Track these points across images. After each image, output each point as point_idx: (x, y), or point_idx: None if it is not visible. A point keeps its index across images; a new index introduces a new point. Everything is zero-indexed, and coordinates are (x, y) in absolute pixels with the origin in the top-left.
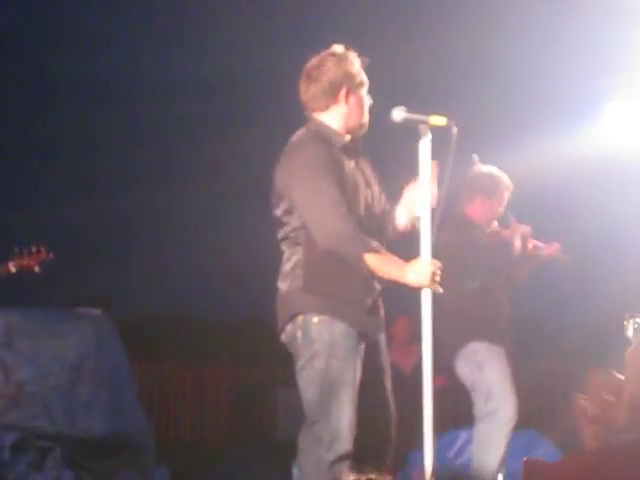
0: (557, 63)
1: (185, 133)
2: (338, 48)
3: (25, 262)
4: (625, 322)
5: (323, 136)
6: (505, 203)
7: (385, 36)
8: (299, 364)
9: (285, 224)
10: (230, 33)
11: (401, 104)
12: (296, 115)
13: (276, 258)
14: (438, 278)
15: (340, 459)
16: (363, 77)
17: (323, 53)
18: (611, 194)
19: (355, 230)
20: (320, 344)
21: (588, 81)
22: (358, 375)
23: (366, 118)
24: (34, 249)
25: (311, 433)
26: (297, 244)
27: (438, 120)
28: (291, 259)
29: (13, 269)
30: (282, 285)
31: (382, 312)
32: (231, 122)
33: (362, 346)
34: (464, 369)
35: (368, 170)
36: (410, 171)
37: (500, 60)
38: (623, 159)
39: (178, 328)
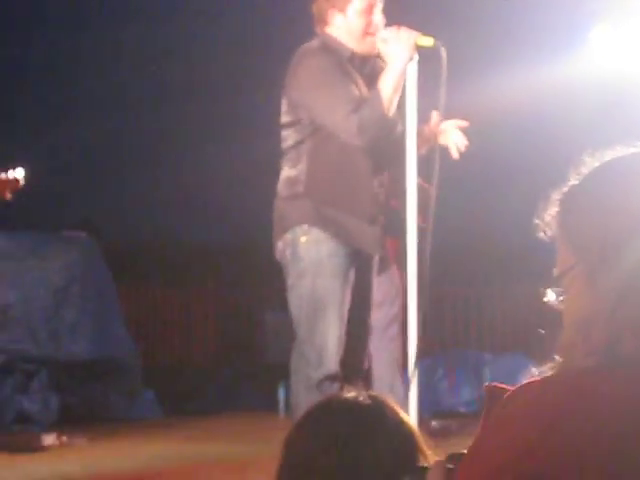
0: None
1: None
2: None
3: None
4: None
5: (328, 47)
6: None
7: None
8: (288, 282)
9: (290, 134)
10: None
11: (388, 24)
12: None
13: (262, 184)
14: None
15: (327, 379)
16: None
17: None
18: (599, 117)
19: (364, 112)
20: (307, 262)
21: (575, 3)
22: (347, 295)
23: (369, 37)
24: (4, 175)
25: (299, 352)
26: (302, 154)
27: (424, 40)
28: (295, 166)
29: None
30: (280, 196)
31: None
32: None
33: (353, 265)
34: None
35: None
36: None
37: None
38: (611, 81)
39: (164, 253)
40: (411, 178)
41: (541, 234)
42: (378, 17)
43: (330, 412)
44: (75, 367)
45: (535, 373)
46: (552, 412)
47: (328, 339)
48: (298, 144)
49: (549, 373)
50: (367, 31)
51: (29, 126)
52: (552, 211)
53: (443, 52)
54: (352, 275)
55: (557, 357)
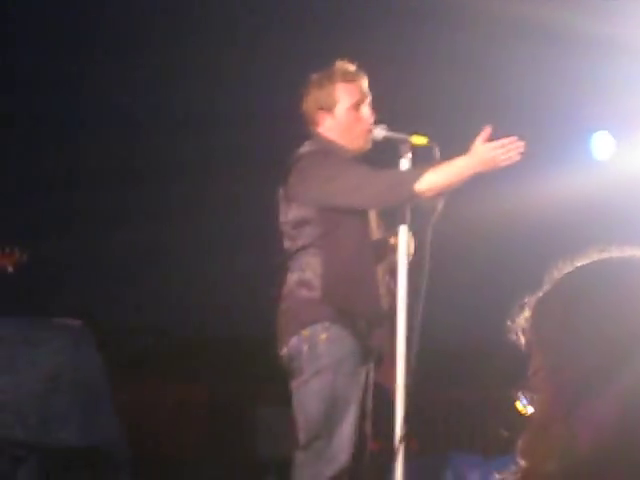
0: (546, 93)
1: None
2: (338, 65)
3: None
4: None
5: (330, 148)
6: None
7: (372, 55)
8: (302, 378)
9: (297, 235)
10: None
11: (384, 123)
12: None
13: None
14: (505, 152)
15: (338, 475)
16: (353, 93)
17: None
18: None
19: (389, 172)
20: (328, 360)
21: (576, 110)
22: (362, 392)
23: (361, 133)
24: (7, 249)
25: (311, 448)
26: (314, 256)
27: (419, 139)
28: (307, 269)
29: None
30: (293, 296)
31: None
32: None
33: (369, 363)
34: None
35: None
36: None
37: (488, 88)
38: (613, 188)
39: (159, 345)
40: (402, 284)
41: (513, 337)
42: (367, 112)
43: None
44: (63, 455)
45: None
46: None
47: (345, 437)
48: (308, 246)
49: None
50: (358, 127)
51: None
52: (525, 315)
53: (437, 151)
54: (364, 375)
55: (520, 461)
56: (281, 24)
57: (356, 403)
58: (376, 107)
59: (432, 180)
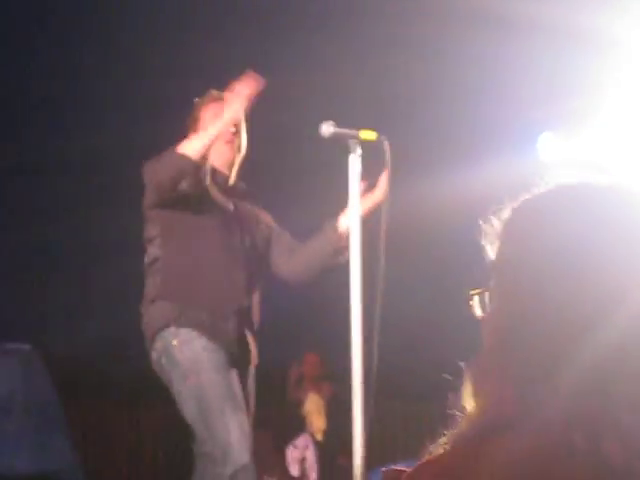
0: (494, 90)
1: None
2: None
3: None
4: (470, 302)
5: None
6: None
7: (327, 52)
8: (174, 390)
9: (148, 252)
10: None
11: (335, 120)
12: None
13: None
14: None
15: (239, 471)
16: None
17: None
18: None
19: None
20: (185, 364)
21: (524, 110)
22: (236, 384)
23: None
24: None
25: (202, 453)
26: (158, 269)
27: (368, 135)
28: (153, 277)
29: None
30: (143, 308)
31: (245, 332)
32: None
33: (230, 363)
34: None
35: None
36: (342, 188)
37: (439, 84)
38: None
39: (113, 368)
40: (355, 285)
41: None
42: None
43: None
44: None
45: (430, 450)
46: None
47: (230, 432)
48: (154, 261)
49: (443, 449)
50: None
51: None
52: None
53: (386, 146)
54: (234, 374)
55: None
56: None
57: (229, 397)
58: (323, 103)
59: (191, 146)
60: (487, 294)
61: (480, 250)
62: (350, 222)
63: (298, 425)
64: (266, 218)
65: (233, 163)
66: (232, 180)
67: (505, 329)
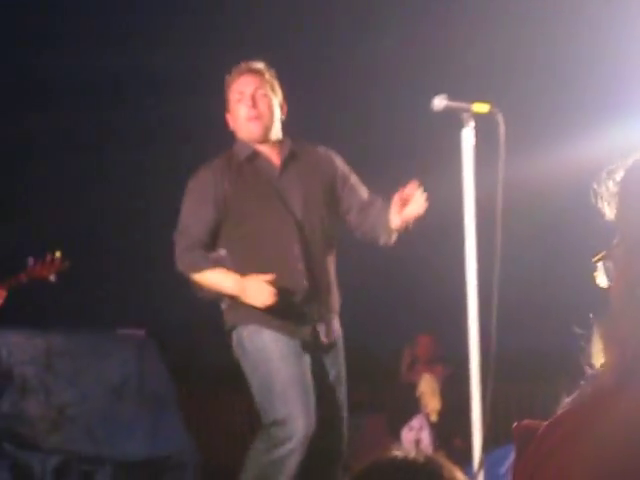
0: (607, 61)
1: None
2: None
3: (38, 272)
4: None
5: (229, 154)
6: None
7: (434, 25)
8: (249, 380)
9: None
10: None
11: (446, 92)
12: None
13: None
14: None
15: (294, 450)
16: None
17: None
18: None
19: (185, 250)
20: (255, 353)
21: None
22: (307, 374)
23: (244, 125)
24: (48, 257)
25: (263, 435)
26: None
27: (481, 107)
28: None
29: (25, 279)
30: (222, 305)
31: (319, 319)
32: None
33: (301, 350)
34: None
35: (299, 175)
36: (455, 161)
37: (552, 54)
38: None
39: (225, 356)
40: (470, 253)
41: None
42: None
43: (380, 472)
44: (131, 466)
45: (567, 402)
46: (593, 443)
47: (294, 413)
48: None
49: (578, 400)
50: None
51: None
52: (610, 187)
53: (500, 118)
54: (306, 362)
55: (582, 382)
56: None
57: (298, 382)
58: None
59: (198, 279)
60: (610, 263)
61: (594, 218)
62: (464, 199)
63: (413, 407)
64: (332, 165)
65: (268, 130)
66: (273, 143)
67: (636, 282)
